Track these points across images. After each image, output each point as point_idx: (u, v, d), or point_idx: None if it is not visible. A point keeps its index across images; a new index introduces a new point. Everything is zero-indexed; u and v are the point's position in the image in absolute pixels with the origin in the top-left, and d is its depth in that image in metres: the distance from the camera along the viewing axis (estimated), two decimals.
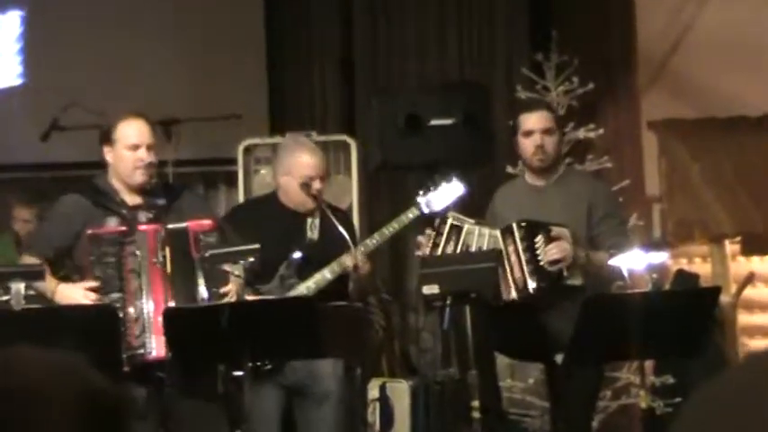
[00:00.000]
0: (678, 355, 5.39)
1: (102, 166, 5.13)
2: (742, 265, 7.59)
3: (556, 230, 5.20)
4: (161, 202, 5.03)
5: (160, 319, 4.75)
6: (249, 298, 4.96)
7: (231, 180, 7.73)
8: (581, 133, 7.27)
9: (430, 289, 4.96)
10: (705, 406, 1.23)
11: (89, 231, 4.90)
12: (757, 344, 7.56)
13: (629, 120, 8.06)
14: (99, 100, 6.47)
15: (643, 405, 5.18)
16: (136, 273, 4.88)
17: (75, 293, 4.88)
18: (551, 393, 5.59)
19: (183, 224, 4.93)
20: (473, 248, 5.28)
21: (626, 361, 6.45)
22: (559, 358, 5.15)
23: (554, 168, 5.52)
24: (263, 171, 7.13)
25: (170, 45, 8.00)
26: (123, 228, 4.94)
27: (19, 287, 4.59)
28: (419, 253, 5.39)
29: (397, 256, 7.82)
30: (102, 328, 4.58)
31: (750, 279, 7.42)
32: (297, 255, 5.57)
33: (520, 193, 5.57)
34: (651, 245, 5.68)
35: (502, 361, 6.12)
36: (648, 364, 6.35)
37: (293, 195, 5.66)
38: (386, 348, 7.32)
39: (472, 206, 5.88)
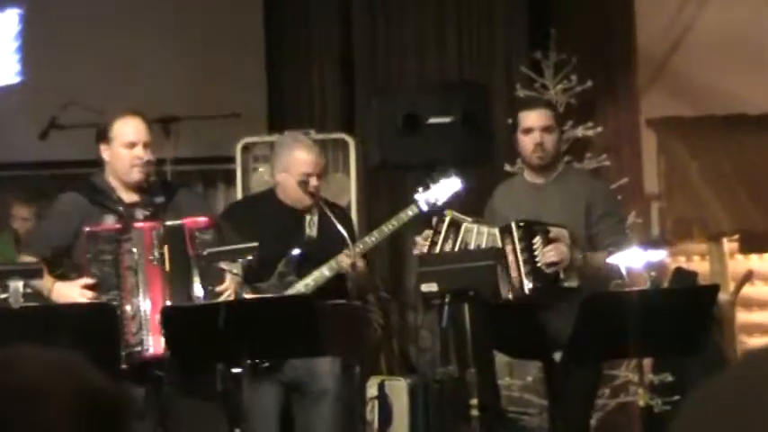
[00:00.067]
0: (677, 353, 5.39)
1: (100, 164, 5.13)
2: (740, 263, 7.59)
3: (554, 231, 5.20)
4: (159, 200, 5.03)
5: (157, 316, 4.76)
6: (247, 296, 4.96)
7: (230, 178, 7.72)
8: (580, 131, 7.27)
9: (429, 287, 4.95)
10: (704, 404, 1.23)
11: (86, 229, 4.90)
12: (756, 342, 7.55)
13: (628, 118, 8.06)
14: (98, 98, 6.46)
15: (641, 403, 5.18)
16: (132, 270, 4.88)
17: (72, 291, 4.88)
18: (550, 391, 5.59)
19: (179, 221, 4.93)
20: (472, 246, 5.28)
21: (624, 359, 6.45)
22: (558, 356, 5.15)
23: (553, 166, 5.52)
24: (261, 169, 7.13)
25: (169, 43, 8.00)
26: (119, 225, 4.94)
27: (17, 285, 4.59)
28: (416, 252, 5.39)
29: (395, 254, 7.81)
30: (99, 326, 4.58)
31: (748, 277, 7.42)
32: (296, 252, 5.57)
33: (519, 191, 5.57)
34: (650, 243, 5.68)
35: (500, 359, 6.12)
36: (647, 362, 6.35)
37: (291, 192, 5.66)
38: (384, 346, 7.32)
39: (471, 205, 5.88)
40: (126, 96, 6.84)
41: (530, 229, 5.20)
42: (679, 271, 7.42)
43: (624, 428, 7.28)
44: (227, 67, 7.92)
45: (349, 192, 7.17)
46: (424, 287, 4.97)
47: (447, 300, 4.92)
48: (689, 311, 4.84)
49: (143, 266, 4.89)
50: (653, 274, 4.95)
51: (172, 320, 4.63)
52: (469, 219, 5.36)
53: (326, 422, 5.54)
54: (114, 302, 4.82)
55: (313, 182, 5.62)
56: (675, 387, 6.79)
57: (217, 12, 8.01)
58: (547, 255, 5.15)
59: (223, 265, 4.85)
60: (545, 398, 6.05)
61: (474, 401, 4.94)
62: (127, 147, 5.02)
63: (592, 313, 4.78)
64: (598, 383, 5.79)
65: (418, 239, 5.36)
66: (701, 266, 7.58)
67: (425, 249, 5.32)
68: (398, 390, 6.73)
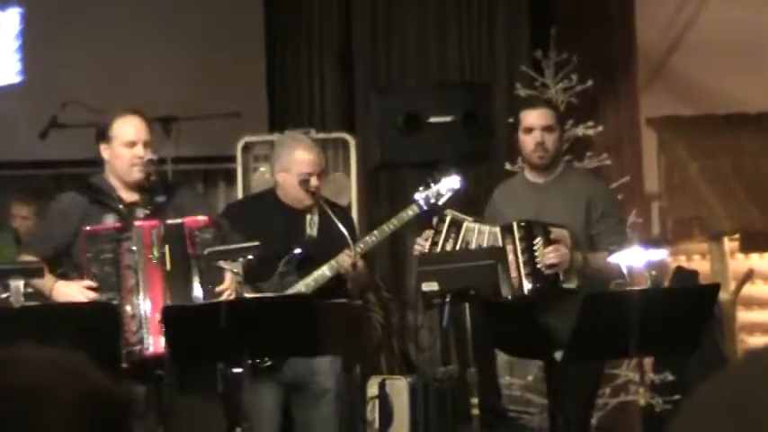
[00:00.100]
0: (677, 352, 5.39)
1: (100, 163, 5.13)
2: (741, 262, 7.59)
3: (555, 232, 5.20)
4: (161, 199, 5.03)
5: (157, 315, 4.76)
6: (248, 295, 4.96)
7: (230, 177, 7.73)
8: (580, 130, 7.27)
9: (429, 286, 4.95)
10: (704, 403, 1.23)
11: (86, 229, 4.90)
12: (756, 341, 7.55)
13: (629, 117, 8.06)
14: (98, 98, 6.46)
15: (642, 402, 5.18)
16: (132, 269, 4.88)
17: (73, 291, 4.88)
18: (550, 390, 5.59)
19: (179, 220, 4.93)
20: (473, 245, 5.28)
21: (625, 358, 6.44)
22: (558, 355, 5.15)
23: (554, 166, 5.52)
24: (262, 168, 7.13)
25: (169, 43, 8.00)
26: (119, 224, 4.94)
27: (18, 284, 4.60)
28: (416, 254, 5.38)
29: (396, 253, 7.81)
30: (100, 326, 4.58)
31: (749, 276, 7.41)
32: (296, 252, 5.57)
33: (519, 190, 5.57)
34: (650, 242, 5.69)
35: (501, 358, 6.14)
36: (647, 361, 6.34)
37: (291, 192, 5.66)
38: (385, 346, 7.32)
39: (471, 203, 5.88)
40: (126, 96, 6.84)
41: (531, 230, 5.20)
42: (680, 270, 7.43)
43: (625, 428, 7.28)
44: (228, 66, 7.91)
45: (349, 191, 7.17)
46: (425, 286, 4.97)
47: (447, 299, 4.92)
48: (689, 311, 4.84)
49: (143, 265, 4.89)
50: (653, 273, 4.95)
51: (172, 320, 4.63)
52: (470, 218, 5.35)
53: (327, 421, 5.54)
54: (114, 301, 4.82)
55: (313, 182, 5.61)
56: (676, 386, 6.80)
57: (217, 11, 8.01)
58: (547, 256, 5.15)
59: (224, 264, 4.85)
60: (546, 397, 6.05)
61: (474, 400, 4.94)
62: (127, 146, 5.02)
63: (592, 312, 4.78)
64: (599, 382, 5.79)
65: (419, 240, 5.35)
66: (701, 266, 7.58)
67: (426, 250, 5.32)
68: (399, 389, 6.73)
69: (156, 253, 4.88)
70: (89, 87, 7.41)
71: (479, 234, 5.29)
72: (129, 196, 5.06)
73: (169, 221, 4.94)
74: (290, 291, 5.46)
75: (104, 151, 5.07)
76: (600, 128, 7.36)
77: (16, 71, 7.99)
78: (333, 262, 5.53)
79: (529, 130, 5.46)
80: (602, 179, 6.93)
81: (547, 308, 5.27)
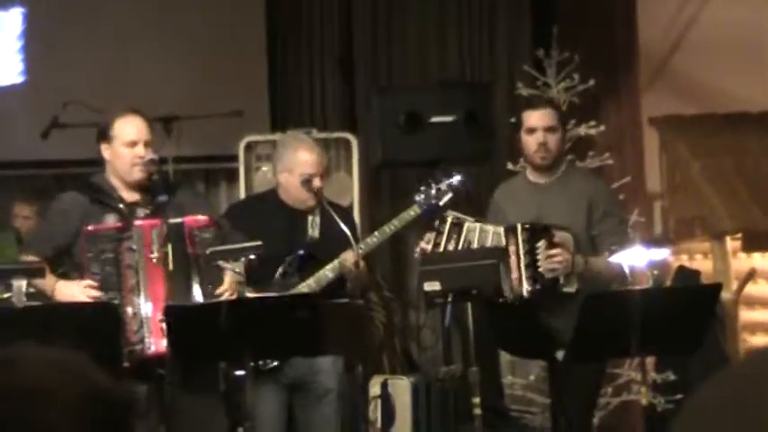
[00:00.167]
0: (679, 351, 5.38)
1: (101, 163, 5.12)
2: (743, 261, 7.58)
3: (559, 236, 5.21)
4: (163, 199, 5.03)
5: (158, 314, 4.76)
6: (249, 295, 4.96)
7: (232, 177, 7.73)
8: (582, 130, 7.27)
9: (431, 286, 4.95)
10: (706, 403, 1.22)
11: (86, 228, 4.90)
12: (758, 340, 7.55)
13: (630, 116, 8.06)
14: (100, 97, 6.46)
15: (644, 402, 5.18)
16: (133, 269, 4.88)
17: (74, 290, 4.88)
18: (552, 390, 5.59)
19: (179, 220, 4.93)
20: (474, 245, 5.28)
21: (627, 358, 6.44)
22: (560, 355, 5.15)
23: (556, 166, 5.51)
24: (264, 168, 7.13)
25: (171, 42, 8.00)
26: (120, 224, 4.94)
27: (20, 284, 4.60)
28: (418, 257, 5.38)
29: (398, 253, 7.81)
30: (101, 325, 4.58)
31: (751, 275, 7.41)
32: (300, 252, 5.57)
33: (521, 191, 5.57)
34: (652, 242, 5.68)
35: (503, 358, 6.13)
36: (649, 360, 6.35)
37: (293, 192, 5.66)
38: (387, 345, 7.32)
39: (473, 203, 5.88)
40: (128, 95, 6.84)
41: (534, 232, 5.20)
42: (682, 270, 7.42)
43: (627, 427, 7.28)
44: (230, 65, 7.91)
45: (351, 191, 7.17)
46: (427, 286, 4.97)
47: (449, 298, 4.92)
48: (691, 310, 4.84)
49: (143, 265, 4.89)
50: (656, 272, 4.95)
51: (175, 319, 4.63)
52: (471, 219, 5.36)
53: (329, 421, 5.54)
54: (115, 301, 4.82)
55: (316, 182, 5.61)
56: (678, 386, 6.79)
57: (219, 10, 8.01)
58: (549, 260, 5.16)
59: (226, 264, 4.85)
60: (547, 396, 6.05)
61: (476, 400, 4.94)
62: (128, 146, 5.01)
63: (594, 312, 4.78)
64: (601, 382, 5.79)
65: (422, 244, 5.36)
66: (703, 265, 7.58)
67: (429, 249, 5.32)
68: (401, 389, 6.73)
69: (156, 252, 4.88)
70: (91, 87, 7.41)
71: (483, 233, 5.30)
72: (130, 196, 5.05)
73: (170, 221, 4.94)
74: (292, 291, 5.46)
75: (105, 151, 5.07)
76: (602, 127, 7.35)
77: (18, 71, 7.99)
78: (335, 262, 5.53)
79: (531, 131, 5.45)
80: (604, 179, 6.93)
81: (549, 308, 5.27)
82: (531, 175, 5.56)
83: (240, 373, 4.74)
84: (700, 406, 1.22)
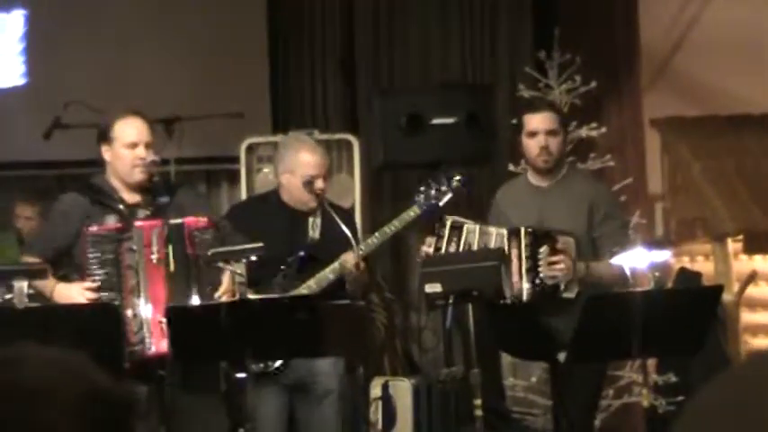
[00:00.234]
0: (680, 353, 5.38)
1: (102, 164, 5.12)
2: (744, 263, 7.58)
3: (562, 242, 5.21)
4: (164, 200, 5.03)
5: (158, 315, 4.76)
6: (251, 296, 4.95)
7: (234, 178, 7.73)
8: (584, 132, 7.26)
9: (432, 287, 4.95)
10: (708, 405, 1.22)
11: (87, 230, 4.90)
12: (760, 342, 7.55)
13: (632, 118, 8.06)
14: (102, 98, 6.46)
15: (645, 404, 5.17)
16: (133, 269, 4.88)
17: (73, 292, 4.88)
18: (554, 392, 5.59)
19: (180, 220, 4.93)
20: (475, 247, 5.28)
21: (628, 359, 6.44)
22: (562, 357, 5.15)
23: (557, 169, 5.51)
24: (265, 170, 7.13)
25: (172, 43, 8.00)
26: (120, 225, 4.94)
27: (22, 285, 4.60)
28: (419, 260, 5.39)
29: (398, 254, 7.81)
30: (102, 327, 4.58)
31: (752, 277, 7.41)
32: (301, 253, 5.57)
33: (522, 193, 5.57)
34: (653, 243, 5.67)
35: (504, 359, 6.13)
36: (651, 362, 6.35)
37: (295, 194, 5.66)
38: (388, 347, 7.32)
39: (474, 204, 5.88)
40: (129, 96, 6.84)
41: (538, 237, 5.21)
42: (683, 271, 7.42)
43: (628, 429, 7.27)
44: (231, 66, 7.92)
45: (353, 192, 7.17)
46: (428, 288, 4.97)
47: (450, 300, 4.92)
48: (693, 312, 4.84)
49: (143, 265, 4.89)
50: (657, 274, 4.95)
51: (176, 320, 4.63)
52: (470, 221, 5.36)
53: (330, 422, 5.54)
54: (116, 302, 4.82)
55: (318, 183, 5.61)
56: (679, 388, 6.79)
57: (220, 11, 8.01)
58: (551, 267, 5.17)
59: (227, 265, 4.84)
60: (549, 398, 6.05)
61: (478, 402, 4.93)
62: (128, 147, 5.01)
63: (595, 313, 4.78)
64: (602, 384, 5.79)
65: (423, 248, 5.36)
66: (704, 267, 7.58)
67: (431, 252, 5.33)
68: (402, 390, 6.73)
69: (157, 253, 4.88)
70: (92, 88, 7.41)
71: (484, 235, 5.30)
72: (131, 197, 5.05)
73: (170, 221, 4.94)
74: (293, 293, 5.46)
75: (106, 152, 5.07)
76: (603, 129, 7.35)
77: (20, 73, 7.99)
78: (335, 264, 5.53)
79: (532, 134, 5.45)
80: (606, 180, 6.93)
81: (550, 309, 5.27)
82: (533, 178, 5.56)
83: (241, 375, 4.74)
84: (701, 408, 1.22)
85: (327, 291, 5.46)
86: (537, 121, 5.46)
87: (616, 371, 6.89)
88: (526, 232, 5.21)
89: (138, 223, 4.93)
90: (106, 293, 4.85)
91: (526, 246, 5.20)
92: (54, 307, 4.87)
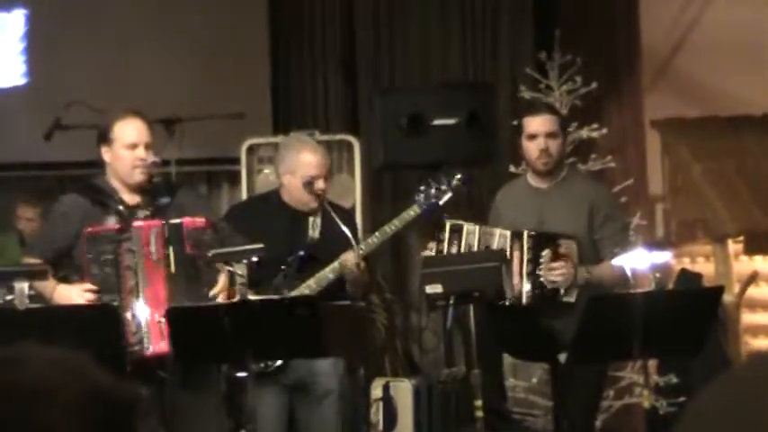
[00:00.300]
0: (681, 354, 5.38)
1: (102, 165, 5.12)
2: (745, 264, 7.58)
3: (564, 246, 5.21)
4: (164, 201, 5.03)
5: (157, 315, 4.76)
6: (251, 297, 4.95)
7: (234, 179, 7.73)
8: (584, 133, 7.26)
9: (433, 288, 4.95)
10: (708, 406, 1.22)
11: (86, 230, 4.90)
12: (760, 343, 7.55)
13: (633, 119, 8.06)
14: (102, 99, 6.46)
15: (646, 405, 5.17)
16: (132, 270, 4.88)
17: (73, 294, 4.88)
18: (555, 393, 5.59)
19: (178, 220, 4.93)
20: (475, 248, 5.29)
21: (629, 360, 6.44)
22: (563, 357, 5.15)
23: (557, 171, 5.52)
24: (266, 170, 7.13)
25: (173, 44, 8.00)
26: (119, 225, 4.93)
27: (23, 286, 4.59)
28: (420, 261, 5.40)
29: (399, 255, 7.81)
30: (102, 328, 4.58)
31: (753, 278, 7.41)
32: (301, 253, 5.57)
33: (522, 195, 5.57)
34: (654, 244, 5.68)
35: (505, 360, 6.12)
36: (652, 363, 6.35)
37: (296, 194, 5.66)
38: (389, 348, 7.32)
39: (474, 205, 5.88)
40: (130, 97, 6.84)
41: (540, 241, 5.21)
42: (684, 272, 7.42)
43: (629, 430, 7.27)
44: (231, 67, 7.92)
45: (353, 192, 7.17)
46: (429, 288, 4.97)
47: (451, 301, 4.92)
48: (693, 313, 4.84)
49: (142, 265, 4.88)
50: (658, 275, 4.95)
51: (177, 321, 4.63)
52: (469, 222, 5.36)
53: (330, 423, 5.54)
54: (114, 303, 4.82)
55: (319, 184, 5.61)
56: (680, 388, 6.79)
57: (221, 12, 8.01)
58: (552, 272, 5.17)
59: (228, 266, 4.84)
60: (550, 399, 6.05)
61: (478, 403, 4.93)
62: (128, 148, 5.01)
63: (596, 314, 4.78)
64: (603, 385, 5.79)
65: (425, 253, 5.37)
66: (705, 268, 7.58)
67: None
68: (403, 391, 6.72)
69: (156, 253, 4.88)
70: (93, 89, 7.41)
71: (486, 235, 5.30)
72: (132, 198, 5.05)
73: (170, 221, 4.93)
74: (293, 293, 5.46)
75: (105, 153, 5.06)
76: (604, 130, 7.35)
77: (21, 73, 8.00)
78: (335, 264, 5.53)
79: (532, 137, 5.45)
80: (606, 181, 6.93)
81: (550, 311, 5.27)
82: (533, 180, 5.56)
83: (241, 374, 4.74)
84: (702, 409, 1.22)
85: (328, 291, 5.46)
86: (537, 124, 5.47)
87: (617, 372, 6.89)
88: (529, 235, 5.22)
89: (136, 223, 4.93)
90: (106, 294, 4.85)
91: (528, 248, 5.20)
92: (55, 308, 4.86)
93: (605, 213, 5.44)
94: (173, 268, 4.89)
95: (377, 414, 6.67)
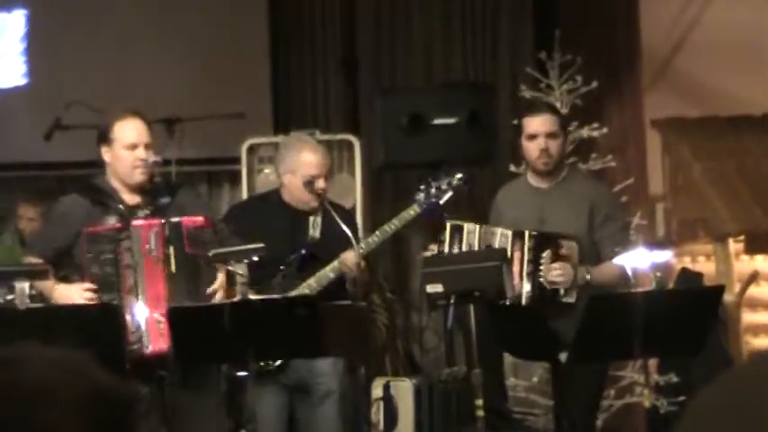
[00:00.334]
0: (682, 353, 5.38)
1: (102, 165, 5.12)
2: (745, 263, 7.58)
3: (565, 247, 5.21)
4: (165, 201, 5.03)
5: (157, 314, 4.76)
6: (252, 297, 4.95)
7: (235, 179, 7.73)
8: (585, 132, 7.26)
9: (434, 288, 4.95)
10: (709, 405, 1.22)
11: (86, 230, 4.90)
12: (761, 342, 7.55)
13: (633, 118, 8.06)
14: (103, 99, 6.46)
15: (647, 404, 5.18)
16: (132, 269, 4.88)
17: (73, 293, 4.88)
18: (555, 392, 5.59)
19: (177, 219, 4.93)
20: (476, 247, 5.29)
21: (630, 360, 6.44)
22: (563, 357, 5.15)
23: (557, 170, 5.52)
24: (266, 170, 7.13)
25: (173, 44, 8.00)
26: (119, 225, 4.93)
27: (23, 286, 4.60)
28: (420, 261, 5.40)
29: (399, 254, 7.81)
30: (103, 327, 4.58)
31: (754, 277, 7.41)
32: (302, 251, 5.57)
33: (522, 194, 5.57)
34: (655, 244, 5.68)
35: (506, 359, 6.13)
36: (652, 362, 6.35)
37: (296, 194, 5.66)
38: (389, 347, 7.32)
39: (475, 204, 5.87)
40: (130, 97, 6.84)
41: (541, 241, 5.21)
42: (684, 272, 7.42)
43: (629, 429, 7.27)
44: (232, 66, 7.92)
45: (354, 192, 7.17)
46: (429, 288, 4.97)
47: (452, 300, 4.92)
48: (694, 312, 4.84)
49: (142, 264, 4.88)
50: (658, 274, 4.95)
51: (177, 320, 4.63)
52: (469, 222, 5.36)
53: (330, 423, 5.54)
54: (114, 302, 4.82)
55: (320, 183, 5.61)
56: (681, 388, 6.79)
57: (221, 11, 8.01)
58: (552, 273, 5.17)
59: (228, 266, 4.85)
60: (550, 398, 6.05)
61: (479, 402, 4.93)
62: (128, 148, 5.01)
63: (597, 314, 4.78)
64: (603, 384, 5.79)
65: (426, 255, 5.38)
66: (706, 267, 7.58)
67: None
68: (404, 390, 6.72)
69: (156, 253, 4.88)
70: (93, 89, 7.41)
71: (487, 234, 5.30)
72: (132, 198, 5.05)
73: (169, 220, 4.93)
74: (293, 292, 5.46)
75: (105, 154, 5.06)
76: (604, 129, 7.35)
77: (21, 73, 8.00)
78: (336, 263, 5.53)
79: (532, 137, 5.45)
80: (607, 181, 6.93)
81: (550, 311, 5.27)
82: (533, 180, 5.56)
83: (242, 374, 4.74)
84: (702, 408, 1.22)
85: (328, 291, 5.46)
86: (537, 124, 5.47)
87: (617, 371, 6.89)
88: (530, 235, 5.22)
89: (136, 223, 4.93)
90: (106, 294, 4.85)
91: (529, 249, 5.20)
92: (55, 307, 4.87)
93: (606, 213, 5.44)
94: (173, 267, 4.89)
95: (377, 414, 6.67)
